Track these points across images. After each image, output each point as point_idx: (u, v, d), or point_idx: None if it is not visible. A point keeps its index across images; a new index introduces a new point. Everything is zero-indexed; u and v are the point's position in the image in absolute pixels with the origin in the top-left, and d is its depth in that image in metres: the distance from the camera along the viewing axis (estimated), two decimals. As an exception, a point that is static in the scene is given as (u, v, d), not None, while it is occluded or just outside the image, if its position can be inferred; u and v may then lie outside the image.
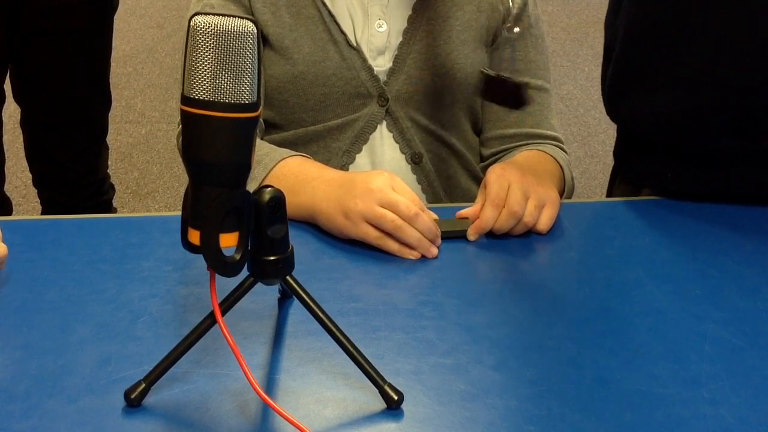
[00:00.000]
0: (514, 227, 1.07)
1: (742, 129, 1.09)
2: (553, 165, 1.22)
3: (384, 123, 1.23)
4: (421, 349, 0.88)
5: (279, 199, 0.71)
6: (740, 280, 1.00)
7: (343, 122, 1.21)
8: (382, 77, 1.22)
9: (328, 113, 1.21)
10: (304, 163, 1.09)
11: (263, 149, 1.11)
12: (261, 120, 1.24)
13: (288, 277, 0.76)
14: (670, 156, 1.15)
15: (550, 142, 1.28)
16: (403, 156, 1.25)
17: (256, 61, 0.66)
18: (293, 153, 1.12)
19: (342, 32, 1.19)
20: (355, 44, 1.20)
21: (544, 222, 1.09)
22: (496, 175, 1.08)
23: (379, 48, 1.22)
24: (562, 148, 1.29)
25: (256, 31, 0.65)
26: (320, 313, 0.79)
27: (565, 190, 1.23)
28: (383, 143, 1.24)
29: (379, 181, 1.02)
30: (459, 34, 1.23)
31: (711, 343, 0.88)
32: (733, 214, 1.15)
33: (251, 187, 0.82)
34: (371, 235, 1.02)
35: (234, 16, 0.65)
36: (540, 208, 1.08)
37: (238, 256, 0.68)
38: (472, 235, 1.07)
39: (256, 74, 0.66)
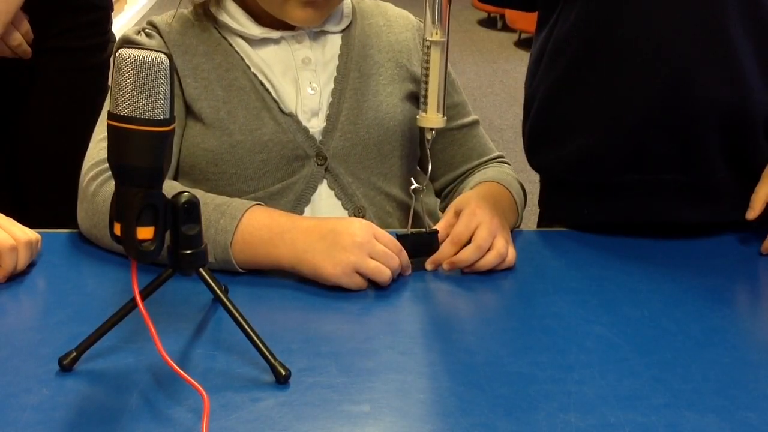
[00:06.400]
0: (486, 257, 1.10)
1: (638, 164, 1.21)
2: (509, 201, 1.24)
3: (324, 182, 1.23)
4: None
5: (193, 203, 0.84)
6: (634, 294, 1.08)
7: (283, 186, 1.21)
8: (318, 137, 1.23)
9: (267, 179, 1.21)
10: (271, 213, 1.09)
11: (216, 199, 1.10)
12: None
13: (203, 270, 0.88)
14: (584, 194, 1.27)
15: (495, 161, 1.34)
16: (346, 212, 1.24)
17: (168, 86, 0.78)
18: (251, 202, 1.10)
19: (274, 99, 1.21)
20: (288, 110, 1.21)
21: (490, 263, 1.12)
22: (467, 214, 1.12)
23: (312, 110, 1.22)
24: (506, 163, 1.35)
25: (168, 62, 0.78)
26: (228, 304, 0.88)
27: (518, 218, 1.27)
28: (325, 202, 1.23)
29: (363, 234, 1.04)
30: (385, 87, 1.26)
31: (593, 339, 0.96)
32: (635, 243, 1.24)
33: (224, 239, 1.04)
34: (359, 283, 1.04)
35: (152, 50, 0.78)
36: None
37: (152, 247, 0.80)
38: (428, 264, 1.12)
39: (169, 97, 0.79)
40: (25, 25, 1.46)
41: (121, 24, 4.91)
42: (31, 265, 1.06)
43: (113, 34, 1.65)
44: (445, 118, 1.13)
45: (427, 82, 1.11)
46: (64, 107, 1.58)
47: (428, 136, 1.14)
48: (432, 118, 1.12)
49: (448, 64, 1.15)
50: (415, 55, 1.29)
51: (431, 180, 1.34)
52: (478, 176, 1.29)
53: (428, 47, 1.10)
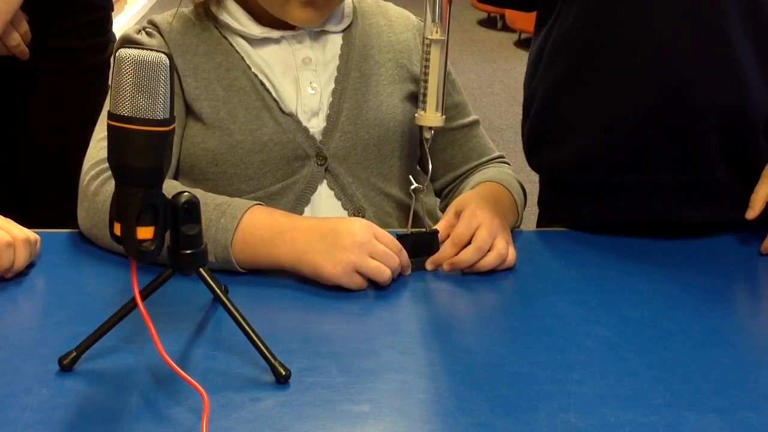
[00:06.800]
0: (486, 258, 1.10)
1: (638, 164, 1.21)
2: (510, 202, 1.24)
3: (324, 182, 1.23)
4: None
5: (193, 203, 0.84)
6: (634, 294, 1.08)
7: (283, 186, 1.21)
8: (318, 137, 1.22)
9: (267, 179, 1.21)
10: (272, 213, 1.09)
11: (216, 199, 1.10)
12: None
13: (203, 270, 0.87)
14: (584, 194, 1.27)
15: (495, 161, 1.34)
16: (345, 212, 1.24)
17: (168, 86, 0.78)
18: (251, 202, 1.10)
19: (275, 99, 1.20)
20: (288, 110, 1.21)
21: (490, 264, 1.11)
22: (468, 215, 1.11)
23: (313, 110, 1.22)
24: (506, 163, 1.35)
25: (168, 62, 0.78)
26: (228, 304, 0.88)
27: (518, 218, 1.27)
28: (325, 202, 1.23)
29: (363, 233, 1.04)
30: (385, 88, 1.26)
31: (593, 339, 0.96)
32: (635, 243, 1.24)
33: (224, 238, 1.04)
34: (359, 283, 1.04)
35: (152, 50, 0.78)
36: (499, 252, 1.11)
37: (152, 247, 0.80)
38: (429, 264, 1.12)
39: (169, 97, 0.78)
40: (24, 26, 1.46)
41: (121, 24, 4.91)
42: (30, 266, 1.06)
43: (113, 34, 1.65)
44: (444, 117, 1.13)
45: (426, 81, 1.11)
46: (64, 107, 1.58)
47: (427, 135, 1.14)
48: (431, 117, 1.12)
49: (449, 64, 1.15)
50: (415, 56, 1.29)
51: (431, 180, 1.34)
52: (479, 176, 1.29)
53: (428, 45, 1.11)
